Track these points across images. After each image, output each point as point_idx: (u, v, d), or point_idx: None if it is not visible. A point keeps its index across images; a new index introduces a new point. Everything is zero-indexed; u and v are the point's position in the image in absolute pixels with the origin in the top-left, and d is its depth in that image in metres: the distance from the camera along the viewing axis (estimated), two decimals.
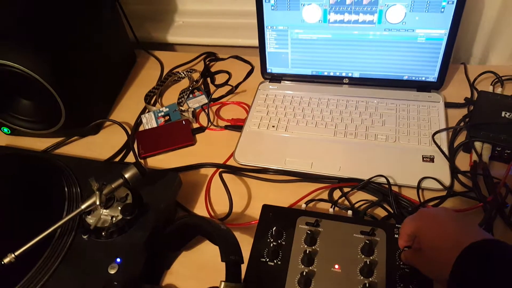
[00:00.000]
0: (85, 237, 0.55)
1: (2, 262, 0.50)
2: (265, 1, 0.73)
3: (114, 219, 0.55)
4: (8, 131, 0.80)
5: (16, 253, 0.50)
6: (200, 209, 0.64)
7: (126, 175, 0.56)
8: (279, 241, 0.53)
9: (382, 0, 0.67)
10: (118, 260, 0.52)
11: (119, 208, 0.56)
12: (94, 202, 0.54)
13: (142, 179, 0.57)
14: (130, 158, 0.74)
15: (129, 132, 0.77)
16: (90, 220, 0.55)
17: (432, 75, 0.73)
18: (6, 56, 0.65)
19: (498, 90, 0.73)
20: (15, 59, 0.66)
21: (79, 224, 0.56)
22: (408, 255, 0.47)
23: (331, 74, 0.78)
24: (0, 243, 0.55)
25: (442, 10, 0.66)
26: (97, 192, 0.54)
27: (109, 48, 0.86)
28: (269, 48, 0.78)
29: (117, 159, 0.74)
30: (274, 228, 0.53)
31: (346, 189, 0.63)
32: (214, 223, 0.51)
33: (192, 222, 0.53)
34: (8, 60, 0.66)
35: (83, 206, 0.54)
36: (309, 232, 0.51)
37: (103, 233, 0.54)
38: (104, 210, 0.56)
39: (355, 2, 0.68)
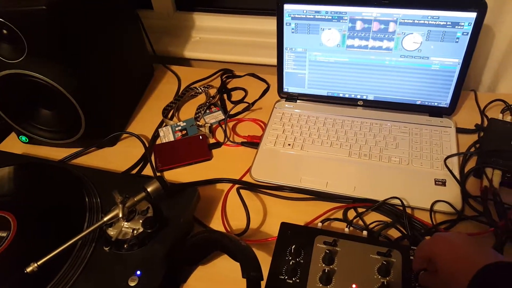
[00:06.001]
0: (106, 248, 0.55)
1: (25, 271, 0.50)
2: (286, 24, 0.75)
3: (135, 231, 0.56)
4: (26, 139, 0.81)
5: (39, 263, 0.51)
6: (216, 224, 0.65)
7: (149, 189, 0.57)
8: (297, 259, 0.54)
9: (400, 29, 0.70)
10: (138, 272, 0.53)
11: (141, 221, 0.56)
12: (117, 215, 0.55)
13: (164, 194, 0.58)
14: (147, 170, 0.75)
15: (147, 145, 0.79)
16: (112, 232, 0.56)
17: (444, 101, 0.75)
18: (30, 67, 0.67)
19: (508, 118, 0.75)
20: (39, 70, 0.67)
21: (100, 236, 0.57)
22: (425, 278, 0.48)
23: (346, 96, 0.80)
24: (23, 252, 0.56)
25: (457, 40, 0.68)
26: (120, 205, 0.55)
27: (129, 62, 0.88)
28: (287, 68, 0.80)
29: (134, 172, 0.75)
30: (293, 246, 0.54)
31: (360, 210, 0.64)
32: (235, 239, 0.52)
33: (213, 238, 0.54)
34: (32, 71, 0.67)
35: (105, 218, 0.55)
36: (327, 251, 0.52)
37: (125, 246, 0.55)
38: (126, 223, 0.57)
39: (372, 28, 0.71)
